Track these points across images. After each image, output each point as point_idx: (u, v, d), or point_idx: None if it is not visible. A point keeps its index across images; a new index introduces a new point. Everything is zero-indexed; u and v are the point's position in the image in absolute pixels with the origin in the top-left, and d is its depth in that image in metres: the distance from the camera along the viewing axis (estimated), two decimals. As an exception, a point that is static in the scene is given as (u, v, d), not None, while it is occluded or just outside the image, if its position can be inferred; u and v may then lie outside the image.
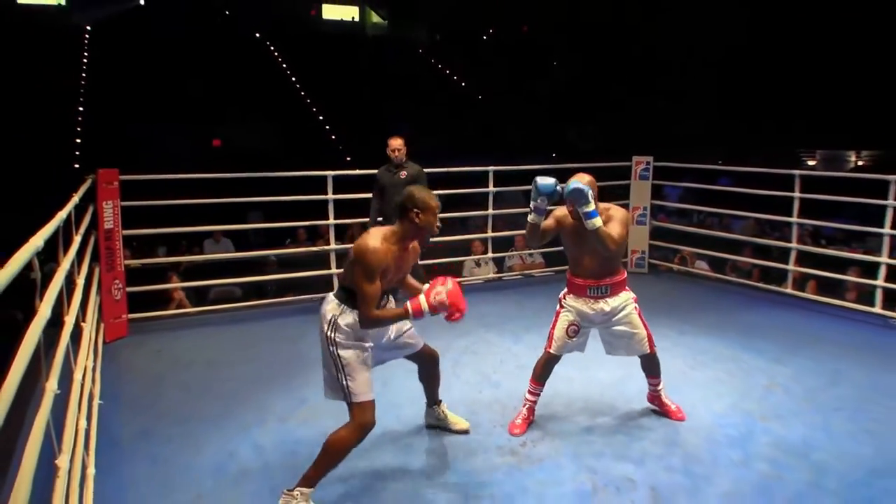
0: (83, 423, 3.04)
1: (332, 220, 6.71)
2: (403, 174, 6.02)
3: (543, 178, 3.66)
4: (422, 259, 6.94)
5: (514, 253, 8.08)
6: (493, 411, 4.16)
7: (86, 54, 22.16)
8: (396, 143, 6.05)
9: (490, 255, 7.68)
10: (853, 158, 21.85)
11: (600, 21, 25.89)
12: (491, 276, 7.76)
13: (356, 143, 18.60)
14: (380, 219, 5.99)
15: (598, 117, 21.94)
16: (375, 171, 6.10)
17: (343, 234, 8.08)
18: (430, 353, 3.70)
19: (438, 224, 3.25)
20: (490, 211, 7.47)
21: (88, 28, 24.01)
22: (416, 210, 3.13)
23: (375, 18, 32.03)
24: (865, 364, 4.95)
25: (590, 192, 3.51)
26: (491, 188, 7.37)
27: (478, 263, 7.89)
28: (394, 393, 4.42)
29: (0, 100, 16.88)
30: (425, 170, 6.13)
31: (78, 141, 17.37)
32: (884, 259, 6.05)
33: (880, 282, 6.05)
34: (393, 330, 3.45)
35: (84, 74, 20.84)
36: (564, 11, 27.09)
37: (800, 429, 3.89)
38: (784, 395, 4.40)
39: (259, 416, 4.11)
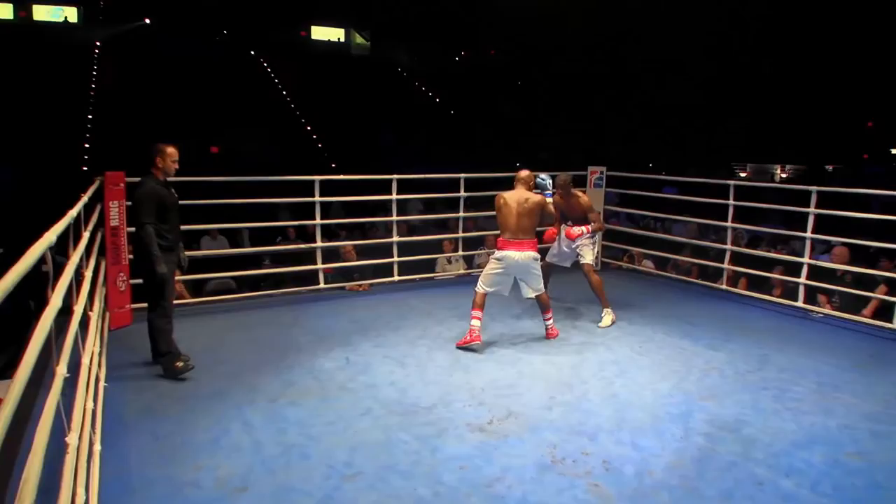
0: (90, 404, 2.98)
1: (318, 221, 6.62)
2: (173, 192, 4.46)
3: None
4: (400, 255, 6.96)
5: (483, 251, 8.05)
6: (463, 391, 4.15)
7: (95, 67, 21.74)
8: (177, 153, 4.37)
9: (461, 252, 7.66)
10: (778, 171, 22.30)
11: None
12: (461, 271, 7.73)
13: (340, 151, 18.47)
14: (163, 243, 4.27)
15: (554, 132, 22.06)
16: (358, 177, 5.59)
17: (329, 232, 8.01)
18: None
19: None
20: (461, 213, 7.45)
21: (98, 43, 23.54)
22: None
23: (359, 40, 31.83)
24: (789, 350, 5.04)
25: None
26: (462, 193, 7.34)
27: (449, 261, 7.85)
28: (372, 376, 4.41)
29: (17, 108, 16.50)
30: (408, 176, 5.71)
31: (87, 146, 17.00)
32: (805, 259, 6.17)
33: (802, 279, 6.16)
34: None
35: (93, 85, 20.43)
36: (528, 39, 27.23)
37: (732, 407, 3.95)
38: (719, 378, 4.46)
39: (250, 396, 4.06)
